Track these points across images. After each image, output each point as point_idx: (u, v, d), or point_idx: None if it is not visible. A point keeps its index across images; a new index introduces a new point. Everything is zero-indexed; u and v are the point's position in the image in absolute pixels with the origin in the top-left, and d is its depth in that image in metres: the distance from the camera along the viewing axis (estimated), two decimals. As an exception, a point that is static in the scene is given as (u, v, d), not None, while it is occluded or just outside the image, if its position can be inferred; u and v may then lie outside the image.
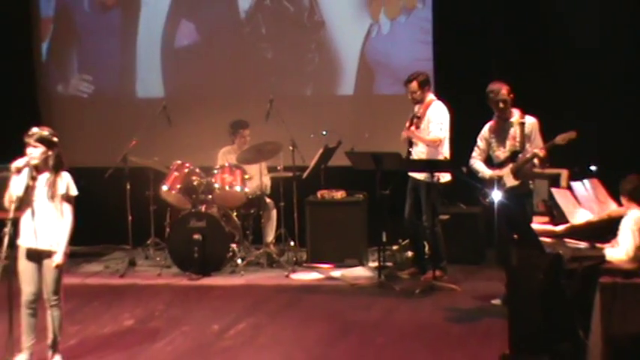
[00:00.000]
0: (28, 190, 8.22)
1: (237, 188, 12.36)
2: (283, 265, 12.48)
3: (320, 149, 12.46)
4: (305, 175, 12.59)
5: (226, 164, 12.51)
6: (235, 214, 12.67)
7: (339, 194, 12.76)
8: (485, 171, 10.52)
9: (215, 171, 12.44)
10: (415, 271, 11.63)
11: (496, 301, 9.95)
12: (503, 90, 10.38)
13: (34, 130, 8.34)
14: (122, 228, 12.80)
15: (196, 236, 12.08)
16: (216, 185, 12.30)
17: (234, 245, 12.44)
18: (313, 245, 12.69)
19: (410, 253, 11.96)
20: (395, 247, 12.23)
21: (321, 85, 14.07)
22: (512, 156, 10.42)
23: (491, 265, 11.89)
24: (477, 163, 10.60)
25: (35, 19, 14.51)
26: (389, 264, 11.73)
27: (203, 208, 12.25)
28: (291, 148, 12.52)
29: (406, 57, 13.07)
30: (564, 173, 10.78)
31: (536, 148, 10.27)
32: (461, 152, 10.96)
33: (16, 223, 8.18)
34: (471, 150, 10.67)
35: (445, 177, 11.23)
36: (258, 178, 12.69)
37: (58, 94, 14.53)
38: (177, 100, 13.73)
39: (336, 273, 12.14)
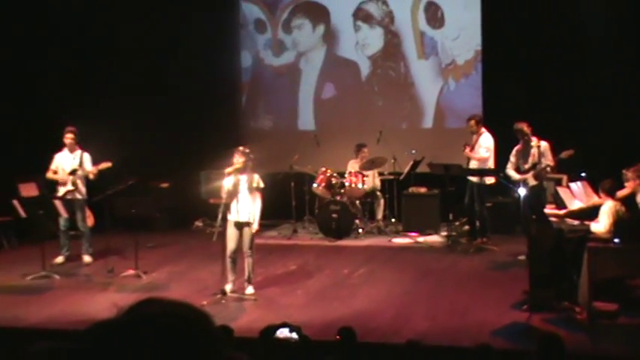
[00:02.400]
0: (235, 185, 8.44)
1: (359, 186, 12.37)
2: (387, 234, 12.44)
3: (410, 161, 12.42)
4: (401, 177, 12.53)
5: (352, 171, 12.54)
6: (358, 201, 12.70)
7: (423, 190, 12.68)
8: (515, 176, 10.42)
9: (346, 175, 12.48)
10: (470, 238, 11.54)
11: (521, 257, 9.83)
12: (525, 127, 10.37)
13: (240, 148, 8.59)
14: (288, 209, 12.91)
15: (334, 215, 12.12)
16: (347, 184, 12.33)
17: (357, 221, 12.43)
18: (406, 221, 12.61)
19: (467, 227, 11.86)
20: (457, 223, 12.13)
21: (412, 121, 13.97)
22: (533, 167, 10.30)
23: (518, 234, 11.73)
24: (510, 171, 10.52)
25: (239, 83, 14.72)
26: (453, 234, 11.63)
27: (338, 197, 12.28)
28: (393, 160, 12.53)
29: (465, 104, 12.93)
30: (565, 177, 10.65)
31: (549, 161, 10.17)
32: (502, 164, 10.87)
33: (227, 205, 8.42)
34: (507, 162, 10.59)
35: (490, 180, 11.13)
36: (372, 179, 12.71)
37: (252, 127, 14.71)
38: (323, 131, 13.80)
39: (420, 239, 12.06)
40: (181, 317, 1.53)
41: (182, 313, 1.54)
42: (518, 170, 10.46)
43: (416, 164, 12.38)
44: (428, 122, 13.86)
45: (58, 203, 10.13)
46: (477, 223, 11.44)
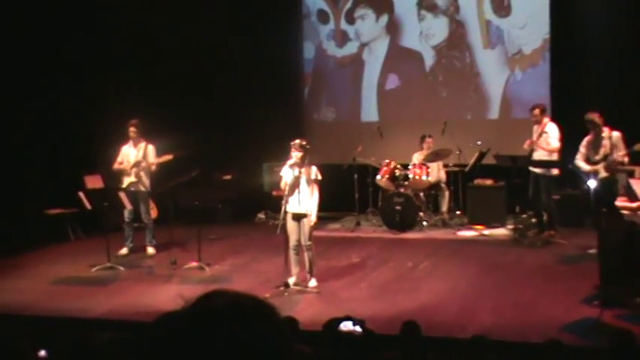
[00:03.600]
0: (294, 178, 8.47)
1: (424, 177, 12.31)
2: (452, 226, 12.38)
3: (476, 153, 12.30)
4: (467, 169, 12.43)
5: (416, 162, 12.47)
6: (422, 193, 12.63)
7: (489, 182, 12.56)
8: (585, 167, 10.20)
9: (410, 166, 12.42)
10: (537, 231, 11.37)
11: (592, 251, 9.63)
12: (597, 117, 10.10)
13: (297, 141, 8.58)
14: (351, 201, 12.90)
15: (398, 207, 12.09)
16: (411, 175, 12.27)
17: (421, 213, 12.38)
18: (471, 213, 12.52)
19: (533, 220, 11.69)
20: (524, 216, 11.95)
21: (477, 112, 13.83)
22: (604, 158, 10.07)
23: (588, 227, 11.52)
24: (579, 162, 10.28)
25: (301, 75, 14.78)
26: (520, 226, 11.47)
27: (402, 190, 12.23)
28: (457, 152, 12.43)
29: (532, 94, 12.73)
30: (638, 169, 10.36)
31: (621, 152, 9.94)
32: (567, 155, 10.66)
33: (287, 198, 8.47)
34: (575, 153, 10.38)
35: (555, 171, 10.95)
36: (436, 171, 12.63)
37: (314, 119, 14.77)
38: (386, 122, 13.77)
39: (486, 232, 11.95)
40: (249, 309, 1.53)
41: (250, 305, 1.54)
42: (588, 161, 10.24)
43: (481, 156, 12.26)
44: (494, 113, 13.69)
45: (122, 195, 10.31)
46: (544, 216, 11.27)
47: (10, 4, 11.67)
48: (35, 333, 5.18)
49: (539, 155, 10.97)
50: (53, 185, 12.02)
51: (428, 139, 12.62)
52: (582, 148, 10.32)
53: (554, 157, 10.88)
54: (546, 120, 11.03)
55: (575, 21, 12.69)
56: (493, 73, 13.59)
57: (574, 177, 10.68)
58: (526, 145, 11.00)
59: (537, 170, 11.00)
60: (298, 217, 8.54)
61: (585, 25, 12.52)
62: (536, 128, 11.03)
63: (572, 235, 11.15)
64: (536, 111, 11.05)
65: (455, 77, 13.90)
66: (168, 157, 10.69)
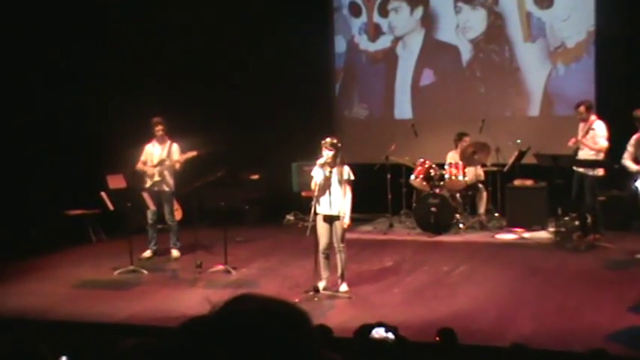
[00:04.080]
0: (325, 178, 8.45)
1: (460, 177, 12.27)
2: (490, 229, 12.31)
3: (515, 152, 12.23)
4: (505, 169, 12.38)
5: (453, 162, 12.42)
6: (458, 194, 12.58)
7: (529, 182, 12.48)
8: (632, 167, 10.09)
9: (445, 166, 12.38)
10: (581, 234, 11.26)
11: (639, 256, 9.54)
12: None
13: (328, 139, 8.56)
14: (384, 202, 12.87)
15: (433, 209, 12.05)
16: (446, 176, 12.24)
17: (457, 215, 12.33)
18: (510, 215, 12.44)
19: (577, 222, 11.59)
20: (566, 218, 11.84)
21: (517, 109, 13.74)
22: (654, 157, 9.99)
23: (636, 230, 11.41)
24: (627, 161, 10.17)
25: (332, 70, 14.78)
26: (562, 229, 11.37)
27: (437, 190, 12.19)
28: (496, 151, 12.37)
29: (576, 90, 12.63)
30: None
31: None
32: (614, 154, 10.55)
33: (318, 199, 8.46)
34: (623, 152, 10.27)
35: (601, 171, 10.84)
36: (473, 171, 12.57)
37: (345, 117, 14.77)
38: (421, 120, 13.74)
39: (526, 234, 11.87)
40: (280, 315, 1.52)
41: (280, 310, 1.53)
42: (636, 161, 10.13)
43: (521, 155, 12.19)
44: (534, 110, 13.60)
45: (146, 196, 10.37)
46: (589, 218, 11.17)
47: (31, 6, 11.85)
48: (55, 338, 5.23)
49: (584, 154, 10.86)
50: (74, 185, 12.11)
51: (465, 138, 12.56)
52: (630, 147, 10.20)
53: (601, 156, 10.77)
54: (593, 117, 10.91)
55: (622, 12, 12.54)
56: (534, 67, 13.48)
57: (621, 177, 10.57)
58: (571, 143, 10.90)
59: (582, 170, 10.91)
60: (330, 219, 8.52)
61: (633, 17, 12.37)
62: (582, 126, 10.92)
63: (618, 238, 11.03)
64: (582, 108, 10.94)
65: (493, 72, 13.82)
66: (192, 154, 10.72)
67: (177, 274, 10.13)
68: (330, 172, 8.44)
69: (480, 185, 12.68)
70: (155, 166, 10.77)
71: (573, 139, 10.90)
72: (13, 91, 11.61)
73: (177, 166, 10.79)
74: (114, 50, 12.83)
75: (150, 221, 10.86)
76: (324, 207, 8.51)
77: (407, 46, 14.32)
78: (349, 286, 8.74)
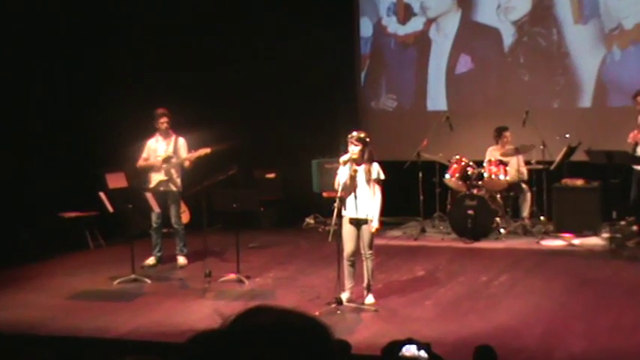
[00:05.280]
0: (351, 177, 8.44)
1: (501, 177, 12.24)
2: (535, 234, 12.29)
3: (564, 148, 12.19)
4: (553, 167, 12.34)
5: (492, 159, 12.39)
6: (499, 195, 12.55)
7: (579, 182, 12.45)
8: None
9: (484, 164, 12.36)
10: (639, 240, 11.21)
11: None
12: None
13: (354, 133, 8.55)
14: (415, 204, 12.84)
15: (470, 212, 12.05)
16: (485, 174, 12.21)
17: (497, 219, 12.31)
18: (558, 219, 12.42)
19: (635, 227, 11.53)
20: (623, 223, 11.78)
21: (566, 100, 13.70)
22: None
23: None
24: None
25: (357, 56, 14.78)
26: (618, 235, 11.31)
27: (475, 191, 12.17)
28: (542, 147, 12.32)
29: (634, 78, 12.55)
30: None
31: None
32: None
33: (342, 200, 8.45)
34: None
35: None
36: (516, 169, 12.55)
37: (372, 108, 14.76)
38: (457, 112, 13.71)
39: (576, 241, 11.84)
40: (298, 330, 1.52)
41: (298, 324, 1.53)
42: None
43: (571, 151, 12.14)
44: (586, 100, 13.54)
45: (149, 196, 10.37)
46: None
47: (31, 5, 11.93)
48: (49, 355, 5.25)
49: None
50: (69, 185, 12.16)
51: (506, 133, 12.52)
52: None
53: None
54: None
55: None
56: (585, 52, 13.42)
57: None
58: (630, 139, 10.85)
59: (641, 169, 10.89)
60: (356, 223, 8.51)
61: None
62: (640, 119, 10.91)
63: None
64: (640, 98, 10.93)
65: (539, 58, 13.76)
66: (205, 151, 10.67)
67: (183, 284, 10.15)
68: (354, 170, 8.42)
69: (524, 185, 12.65)
70: (162, 162, 10.70)
71: (632, 134, 10.84)
72: (2, 85, 11.68)
73: (187, 164, 10.74)
74: (113, 37, 12.91)
75: (154, 225, 10.88)
76: (349, 210, 8.48)
77: (441, 29, 14.29)
78: (376, 297, 8.72)
